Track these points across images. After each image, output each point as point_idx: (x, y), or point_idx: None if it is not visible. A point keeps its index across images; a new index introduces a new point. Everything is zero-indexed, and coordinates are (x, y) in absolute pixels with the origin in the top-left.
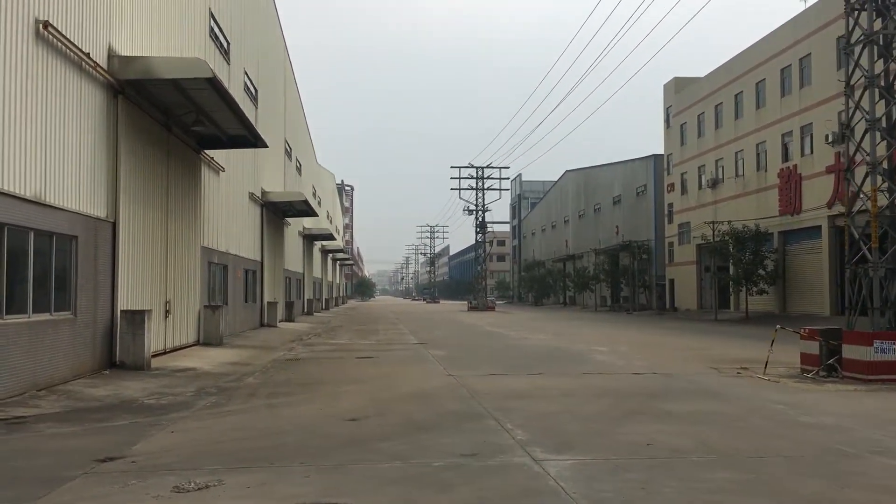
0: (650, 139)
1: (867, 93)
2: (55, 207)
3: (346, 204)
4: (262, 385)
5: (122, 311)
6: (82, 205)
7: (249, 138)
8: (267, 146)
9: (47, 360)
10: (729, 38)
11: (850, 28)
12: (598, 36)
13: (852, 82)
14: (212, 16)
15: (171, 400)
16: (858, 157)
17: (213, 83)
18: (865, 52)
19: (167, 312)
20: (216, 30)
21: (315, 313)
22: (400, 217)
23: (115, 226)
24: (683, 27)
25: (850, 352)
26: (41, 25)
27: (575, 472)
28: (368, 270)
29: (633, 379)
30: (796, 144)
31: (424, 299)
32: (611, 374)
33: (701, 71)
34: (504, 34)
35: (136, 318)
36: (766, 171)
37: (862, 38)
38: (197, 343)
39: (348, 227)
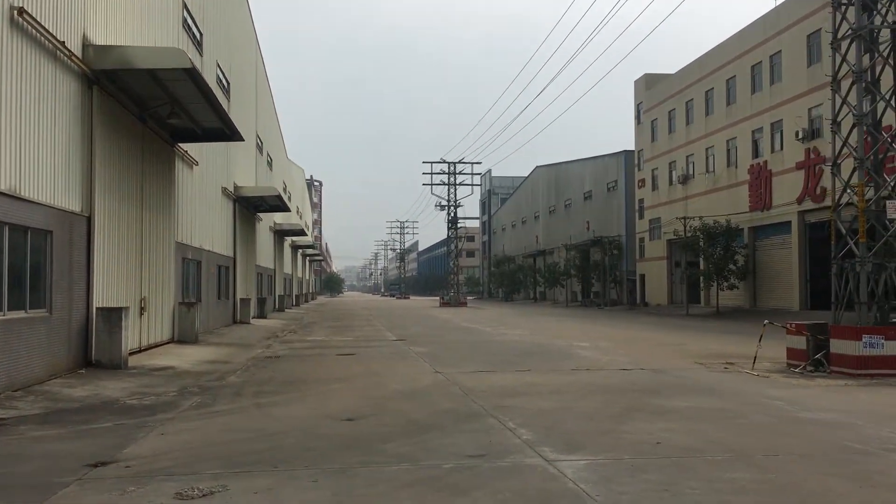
0: (620, 135)
1: (854, 88)
2: (30, 201)
3: (315, 199)
4: (245, 384)
5: (97, 308)
6: (57, 199)
7: (225, 131)
8: (243, 139)
9: (23, 359)
10: (700, 34)
11: (838, 23)
12: (569, 31)
13: (834, 77)
14: (185, 6)
15: (153, 400)
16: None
17: (191, 74)
18: (853, 46)
19: (142, 309)
20: (189, 21)
21: (286, 310)
22: (368, 213)
23: (90, 220)
24: (659, 25)
25: (838, 346)
26: (16, 12)
27: (591, 473)
28: (336, 266)
29: (622, 375)
30: (766, 141)
31: (393, 295)
32: (598, 370)
33: (671, 67)
34: (477, 28)
35: (113, 316)
36: (736, 167)
37: (849, 33)
38: (172, 341)
39: (317, 223)
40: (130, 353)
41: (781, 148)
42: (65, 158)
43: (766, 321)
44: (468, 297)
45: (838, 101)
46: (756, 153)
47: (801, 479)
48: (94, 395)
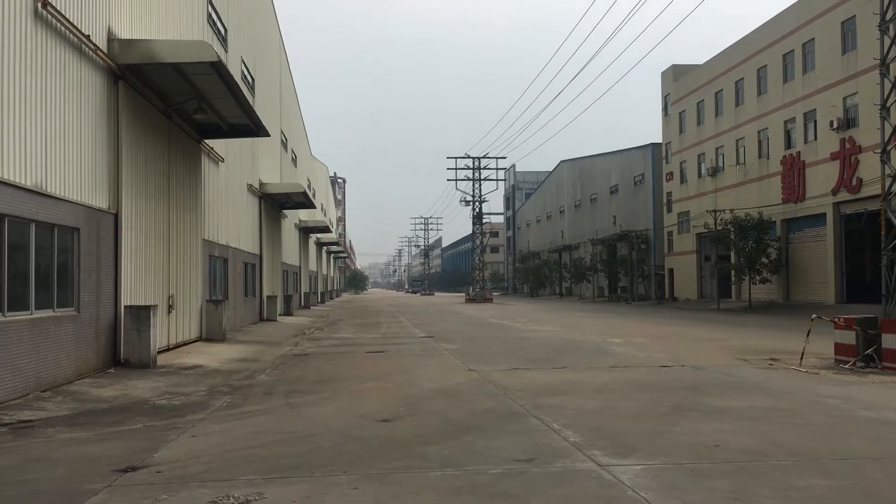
0: (646, 129)
1: None
2: (57, 198)
3: (339, 196)
4: (276, 383)
5: (125, 306)
6: (84, 195)
7: (252, 127)
8: (269, 135)
9: (51, 359)
10: (724, 26)
11: (886, 5)
12: (593, 23)
13: (883, 60)
14: (209, 1)
15: (183, 400)
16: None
17: (218, 67)
18: None
19: (170, 307)
20: (214, 15)
21: (312, 307)
22: (391, 209)
23: (117, 217)
24: (688, 16)
25: (891, 342)
26: (40, 4)
27: (650, 479)
28: (360, 263)
29: (663, 372)
30: (799, 131)
31: (416, 292)
32: (638, 367)
33: (697, 58)
34: (498, 21)
35: (142, 314)
36: (768, 158)
37: None
38: (200, 339)
39: (341, 220)
40: (159, 352)
41: (815, 138)
42: (91, 154)
43: (814, 315)
44: (493, 293)
45: (888, 85)
46: (788, 144)
47: (881, 485)
48: (122, 395)
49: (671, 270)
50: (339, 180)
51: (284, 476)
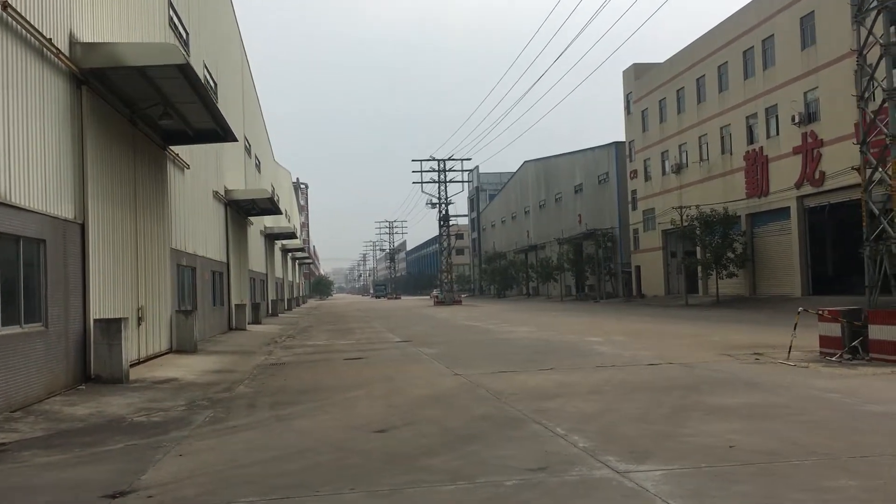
0: (608, 131)
1: (883, 62)
2: (21, 209)
3: (301, 202)
4: (257, 394)
5: (95, 320)
6: (49, 205)
7: (219, 131)
8: (237, 139)
9: (20, 377)
10: (684, 23)
11: None
12: (553, 23)
13: (860, 51)
14: (171, 4)
15: (162, 416)
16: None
17: (185, 70)
18: (880, 19)
19: (140, 319)
20: (175, 19)
21: (280, 314)
22: (355, 213)
23: (83, 228)
24: (651, 16)
25: (878, 332)
26: (0, 6)
27: (675, 485)
28: (324, 269)
29: (653, 371)
30: (761, 126)
31: (381, 296)
32: (626, 367)
33: (656, 57)
34: (459, 19)
35: (112, 328)
36: (731, 154)
37: (875, 4)
38: (170, 350)
39: (304, 226)
40: (130, 366)
41: (777, 133)
42: (55, 163)
43: (800, 309)
44: (461, 295)
45: (865, 75)
46: (751, 139)
47: None
48: (97, 412)
49: (638, 267)
50: (301, 185)
51: (287, 496)
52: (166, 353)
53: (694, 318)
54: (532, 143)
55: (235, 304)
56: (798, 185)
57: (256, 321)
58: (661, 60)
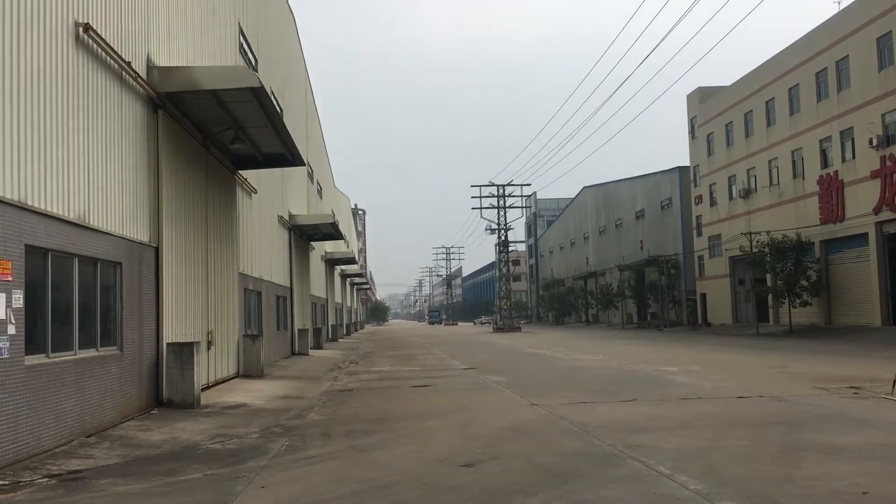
0: (670, 156)
1: None
2: (99, 231)
3: (359, 228)
4: (330, 422)
5: (168, 343)
6: (126, 228)
7: (287, 156)
8: (304, 163)
9: (95, 401)
10: (743, 50)
11: None
12: (615, 51)
13: None
14: (241, 31)
15: (237, 444)
16: None
17: (258, 94)
18: None
19: (209, 344)
20: (245, 45)
21: (339, 339)
22: (411, 239)
23: (157, 251)
24: (718, 43)
25: None
26: (81, 28)
27: None
28: (379, 294)
29: (744, 404)
30: (836, 150)
31: (435, 322)
32: (713, 399)
33: (715, 80)
34: (515, 48)
35: (185, 352)
36: (803, 178)
37: None
38: (237, 375)
39: (361, 251)
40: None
41: (853, 157)
42: (132, 186)
43: None
44: (520, 322)
45: None
46: (825, 163)
47: None
48: (172, 438)
49: (703, 295)
50: (359, 211)
51: None
52: (233, 378)
53: (769, 347)
54: (587, 170)
55: (298, 329)
56: (877, 211)
57: (318, 346)
58: (724, 84)
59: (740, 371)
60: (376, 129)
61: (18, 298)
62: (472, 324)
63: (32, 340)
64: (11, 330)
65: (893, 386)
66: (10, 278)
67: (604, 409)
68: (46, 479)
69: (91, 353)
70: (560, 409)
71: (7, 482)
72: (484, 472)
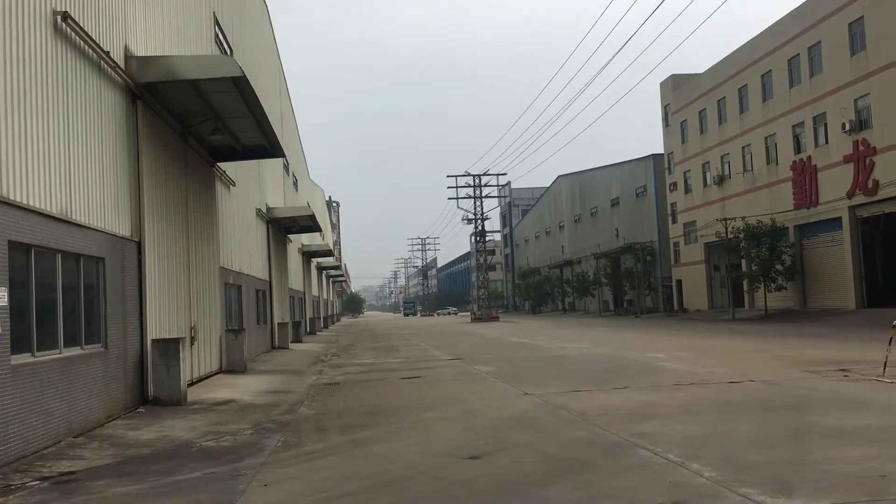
0: (640, 141)
1: None
2: (82, 226)
3: (333, 220)
4: (323, 416)
5: (152, 340)
6: (108, 223)
7: (267, 147)
8: (284, 155)
9: (81, 400)
10: (718, 37)
11: None
12: (587, 40)
13: None
14: (217, 22)
15: (231, 441)
16: None
17: (240, 83)
18: None
19: (192, 339)
20: (220, 35)
21: (318, 332)
22: (385, 231)
23: (140, 246)
24: (694, 31)
25: None
26: (59, 17)
27: None
28: (354, 286)
29: (739, 389)
30: (809, 135)
31: (409, 314)
32: (707, 385)
33: (691, 69)
34: (489, 39)
35: (170, 348)
36: (776, 164)
37: None
38: (220, 370)
39: (336, 244)
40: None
41: (826, 141)
42: (113, 179)
43: (895, 322)
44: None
45: None
46: (798, 149)
47: None
48: (163, 437)
49: (679, 281)
50: (333, 204)
51: None
52: (216, 374)
53: (749, 332)
54: (560, 159)
55: (278, 323)
56: (850, 195)
57: (298, 340)
58: (697, 71)
59: (727, 356)
60: (350, 117)
61: (3, 296)
62: (433, 315)
63: (17, 339)
64: None
65: (884, 368)
66: None
67: (599, 397)
68: (38, 482)
69: (76, 351)
70: (555, 398)
71: None
72: (493, 465)
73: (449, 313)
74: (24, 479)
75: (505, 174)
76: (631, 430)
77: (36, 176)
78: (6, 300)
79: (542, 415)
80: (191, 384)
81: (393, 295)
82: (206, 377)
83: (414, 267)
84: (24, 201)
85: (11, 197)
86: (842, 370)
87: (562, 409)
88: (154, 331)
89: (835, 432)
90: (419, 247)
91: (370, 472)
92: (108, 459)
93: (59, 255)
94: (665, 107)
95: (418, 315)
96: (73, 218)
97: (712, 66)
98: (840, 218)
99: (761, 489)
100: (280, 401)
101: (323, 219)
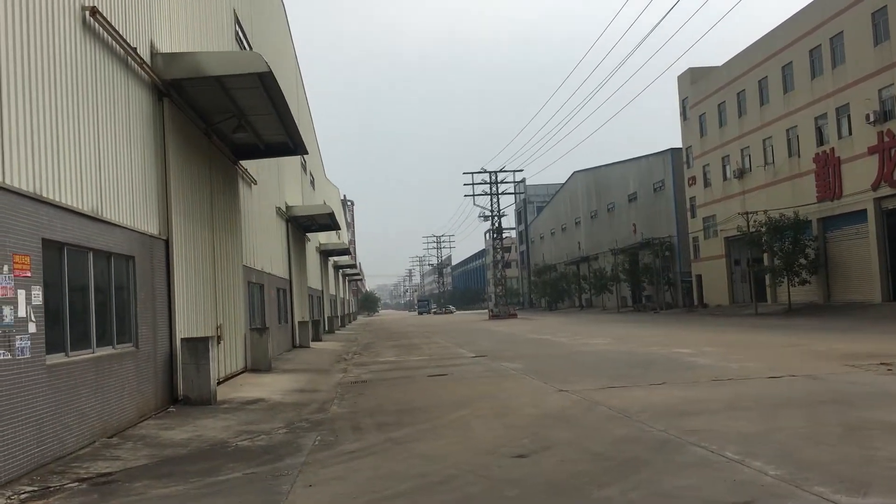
0: (660, 138)
1: None
2: (112, 224)
3: (348, 219)
4: (355, 415)
5: (182, 339)
6: (137, 221)
7: (290, 144)
8: (307, 152)
9: (114, 400)
10: (732, 32)
11: None
12: (604, 35)
13: None
14: (237, 20)
15: (266, 441)
16: None
17: (266, 79)
18: None
19: (219, 338)
20: (240, 34)
21: (336, 331)
22: (399, 229)
23: (168, 244)
24: (714, 27)
25: None
26: (88, 12)
27: None
28: (368, 285)
29: (781, 384)
30: (832, 127)
31: (424, 312)
32: (744, 380)
33: (709, 62)
34: (500, 33)
35: (200, 347)
36: (798, 156)
37: None
38: (245, 370)
39: (351, 243)
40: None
41: (850, 133)
42: (141, 177)
43: None
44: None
45: None
46: (821, 140)
47: None
48: (197, 437)
49: (699, 276)
50: (348, 203)
51: None
52: (242, 373)
53: (774, 326)
54: (576, 156)
55: (298, 322)
56: (875, 187)
57: (317, 338)
58: (715, 65)
59: (758, 351)
60: (362, 116)
61: (38, 295)
62: (465, 312)
63: (51, 339)
64: (32, 328)
65: None
66: (30, 274)
67: (637, 393)
68: (77, 484)
69: (108, 350)
70: (591, 394)
71: (36, 488)
72: (542, 464)
73: (437, 312)
74: (63, 480)
75: (521, 170)
76: (679, 427)
77: (67, 174)
78: (41, 299)
79: (581, 412)
80: (218, 383)
81: (408, 293)
82: (232, 376)
83: (429, 265)
84: (57, 199)
85: (44, 195)
86: (884, 364)
87: (600, 405)
88: (182, 330)
89: (892, 427)
90: (434, 245)
91: (416, 472)
92: (144, 460)
93: (91, 253)
94: (683, 100)
95: (432, 313)
96: (104, 216)
97: (731, 59)
98: (865, 210)
99: (833, 488)
100: (309, 399)
101: (339, 218)
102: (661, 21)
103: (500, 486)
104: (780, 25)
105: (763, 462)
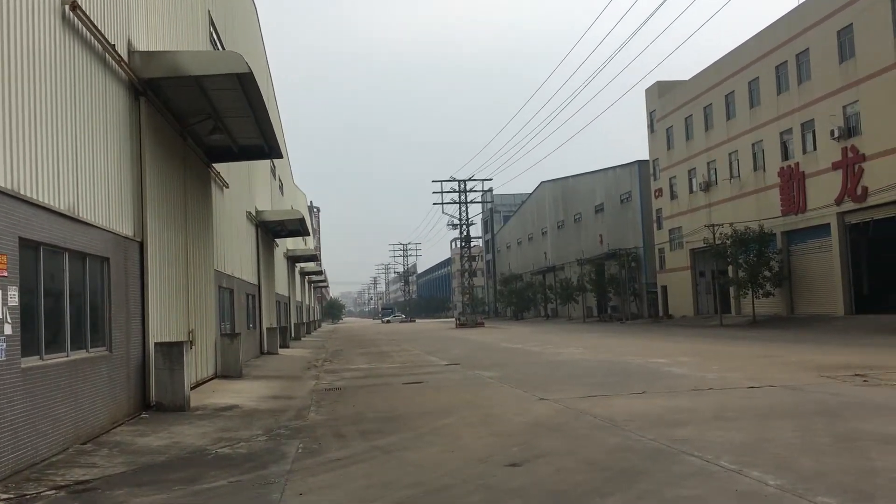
0: (625, 148)
1: None
2: (88, 224)
3: (314, 225)
4: (335, 422)
5: (155, 343)
6: (112, 221)
7: (265, 147)
8: (281, 156)
9: (87, 405)
10: (704, 45)
11: None
12: (580, 50)
13: None
14: (211, 22)
15: (247, 448)
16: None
17: (245, 80)
18: None
19: (191, 343)
20: (214, 36)
21: (302, 338)
22: (363, 237)
23: (142, 246)
24: (684, 42)
25: None
26: (68, 6)
27: None
28: (332, 292)
29: (764, 394)
30: (797, 142)
31: (388, 320)
32: (725, 390)
33: (677, 76)
34: (473, 43)
35: (174, 352)
36: (764, 170)
37: None
38: (215, 376)
39: (317, 249)
40: None
41: (814, 148)
42: (116, 177)
43: None
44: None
45: None
46: (786, 155)
47: None
48: (173, 444)
49: (664, 288)
50: (314, 209)
51: None
52: (212, 379)
53: (742, 338)
54: (548, 167)
55: (267, 328)
56: (838, 202)
57: (285, 345)
58: (682, 78)
59: (732, 361)
60: (327, 119)
61: (14, 296)
62: (429, 321)
63: (25, 341)
64: (8, 330)
65: None
66: (6, 273)
67: (620, 402)
68: (54, 492)
69: (82, 354)
70: (573, 403)
71: (11, 496)
72: (538, 473)
73: (402, 320)
74: (39, 488)
75: (490, 180)
76: (668, 437)
77: (45, 171)
78: (17, 299)
79: (567, 420)
80: (190, 389)
81: (372, 301)
82: (203, 382)
83: (395, 273)
84: (34, 197)
85: (22, 192)
86: (858, 375)
87: (585, 414)
88: (156, 334)
89: (885, 438)
90: (401, 253)
91: (411, 481)
92: (121, 468)
93: (66, 253)
94: (651, 113)
95: (399, 322)
96: (80, 216)
97: (698, 73)
98: (828, 224)
99: (839, 498)
100: (285, 406)
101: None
102: (630, 39)
103: (500, 496)
104: (748, 41)
105: (761, 472)
